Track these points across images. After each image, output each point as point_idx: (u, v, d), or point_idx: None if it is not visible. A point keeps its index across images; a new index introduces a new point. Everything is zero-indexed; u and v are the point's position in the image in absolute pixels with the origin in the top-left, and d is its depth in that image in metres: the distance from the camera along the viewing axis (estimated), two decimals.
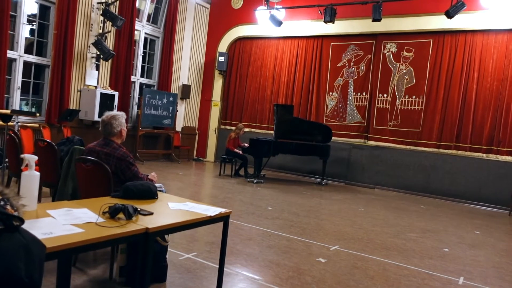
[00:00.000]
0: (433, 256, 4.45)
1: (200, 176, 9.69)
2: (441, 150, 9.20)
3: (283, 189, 8.32)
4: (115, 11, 9.41)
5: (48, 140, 4.37)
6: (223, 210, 2.53)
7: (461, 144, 9.00)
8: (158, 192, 2.86)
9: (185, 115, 12.24)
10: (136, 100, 10.84)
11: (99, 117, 9.00)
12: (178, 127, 11.92)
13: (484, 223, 6.72)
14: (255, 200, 6.77)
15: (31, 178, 2.11)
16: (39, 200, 4.52)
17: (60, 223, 1.95)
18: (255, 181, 8.76)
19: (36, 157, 2.19)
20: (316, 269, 3.70)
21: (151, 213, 2.26)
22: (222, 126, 12.32)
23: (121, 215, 2.11)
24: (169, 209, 2.46)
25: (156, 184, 3.41)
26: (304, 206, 6.69)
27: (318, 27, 10.55)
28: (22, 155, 2.19)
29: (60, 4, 8.41)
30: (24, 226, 1.66)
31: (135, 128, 10.52)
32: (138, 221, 2.09)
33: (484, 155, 8.71)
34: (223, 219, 2.55)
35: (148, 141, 11.12)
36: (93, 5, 9.21)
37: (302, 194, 7.92)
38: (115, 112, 3.20)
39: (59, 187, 3.67)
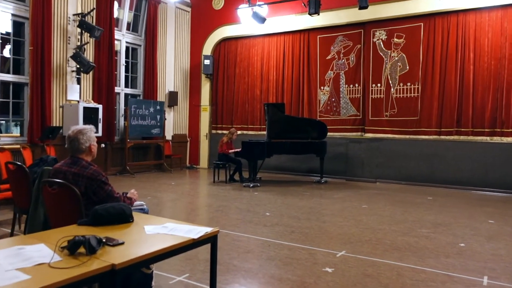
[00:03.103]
0: (449, 254, 4.10)
1: (193, 184, 9.29)
2: (442, 137, 8.87)
3: (281, 191, 7.95)
4: (92, 22, 9.01)
5: (18, 163, 3.97)
6: (208, 229, 2.15)
7: (462, 129, 8.68)
8: (136, 214, 2.48)
9: (174, 122, 11.85)
10: (122, 111, 10.43)
11: None
12: (168, 135, 11.52)
13: (496, 211, 6.37)
14: (252, 206, 6.39)
15: None
16: (12, 229, 4.15)
17: (4, 268, 1.57)
18: (251, 185, 8.39)
19: None
20: (323, 281, 3.33)
21: (122, 243, 1.88)
22: (214, 131, 11.94)
23: (83, 250, 1.73)
24: (145, 234, 2.08)
25: (137, 203, 3.05)
26: (304, 208, 6.33)
27: (303, 21, 10.21)
28: None
29: (34, 18, 8.00)
30: None
31: (123, 140, 10.11)
32: (103, 256, 1.71)
33: (488, 138, 8.38)
34: (210, 240, 2.17)
35: (138, 152, 10.72)
36: (69, 17, 8.81)
37: (301, 195, 7.55)
38: (82, 126, 2.81)
39: (30, 215, 3.28)
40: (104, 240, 1.80)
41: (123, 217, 2.26)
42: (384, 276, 3.44)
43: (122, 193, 3.09)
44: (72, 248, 1.71)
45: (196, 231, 2.10)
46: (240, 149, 8.84)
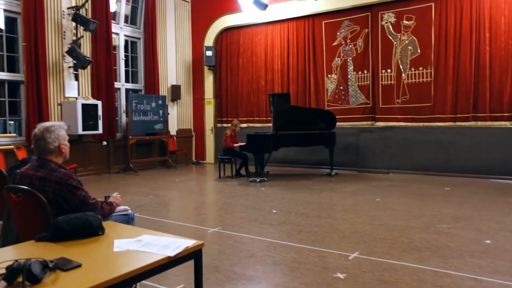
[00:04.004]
0: (474, 253, 3.68)
1: (198, 181, 8.95)
2: (458, 123, 8.37)
3: (289, 185, 7.57)
4: (88, 15, 8.67)
5: None
6: (190, 243, 1.78)
7: (479, 114, 8.16)
8: (110, 224, 2.12)
9: (178, 117, 11.50)
10: (123, 107, 10.10)
11: (83, 130, 8.36)
12: (173, 130, 11.20)
13: None
14: (258, 203, 6.02)
15: None
16: None
17: None
18: (258, 180, 8.02)
19: None
20: None
21: (78, 265, 1.52)
22: (219, 125, 11.57)
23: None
24: (111, 251, 1.72)
25: (120, 207, 2.69)
26: (313, 203, 5.94)
27: (307, 6, 9.75)
28: None
29: (25, 13, 7.72)
30: None
31: (125, 137, 9.79)
32: (49, 285, 1.35)
33: (508, 123, 7.86)
34: (193, 256, 1.80)
35: (142, 149, 10.40)
36: (63, 11, 8.48)
37: (310, 189, 7.16)
38: (50, 122, 2.45)
39: (3, 224, 2.94)
40: (50, 266, 1.43)
41: (89, 230, 1.90)
42: (403, 282, 3.05)
43: (105, 197, 2.74)
44: (9, 277, 1.35)
45: (175, 246, 1.73)
46: (245, 143, 8.46)
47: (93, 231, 1.91)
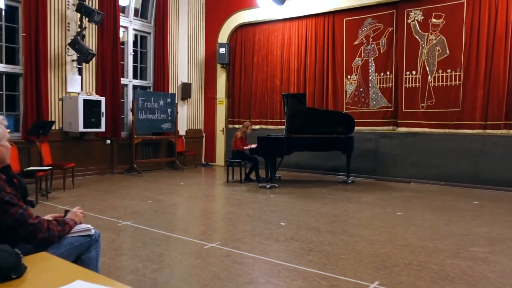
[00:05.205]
0: None
1: (204, 185, 8.40)
2: (488, 131, 7.64)
3: (301, 193, 6.97)
4: (95, 7, 8.25)
5: None
6: None
7: None
8: (39, 259, 1.57)
9: (188, 116, 11.02)
10: (130, 105, 9.65)
11: (84, 127, 7.93)
12: (182, 130, 10.71)
13: None
14: (266, 213, 5.45)
15: None
16: None
17: None
18: (268, 186, 7.44)
19: None
20: None
21: None
22: (230, 125, 11.04)
23: None
24: None
25: (82, 226, 2.16)
26: (327, 216, 5.33)
27: (327, 2, 9.16)
28: None
29: (26, 1, 7.31)
30: None
31: (130, 136, 9.33)
32: None
33: None
34: None
35: (148, 149, 9.94)
36: (68, 1, 8.07)
37: (324, 198, 6.54)
38: None
39: None
40: None
41: None
42: None
43: (64, 212, 2.21)
44: None
45: None
46: (255, 145, 7.90)
47: (2, 274, 1.36)
